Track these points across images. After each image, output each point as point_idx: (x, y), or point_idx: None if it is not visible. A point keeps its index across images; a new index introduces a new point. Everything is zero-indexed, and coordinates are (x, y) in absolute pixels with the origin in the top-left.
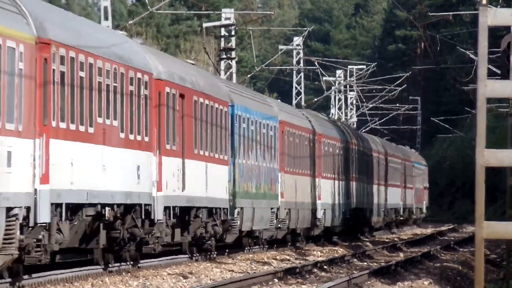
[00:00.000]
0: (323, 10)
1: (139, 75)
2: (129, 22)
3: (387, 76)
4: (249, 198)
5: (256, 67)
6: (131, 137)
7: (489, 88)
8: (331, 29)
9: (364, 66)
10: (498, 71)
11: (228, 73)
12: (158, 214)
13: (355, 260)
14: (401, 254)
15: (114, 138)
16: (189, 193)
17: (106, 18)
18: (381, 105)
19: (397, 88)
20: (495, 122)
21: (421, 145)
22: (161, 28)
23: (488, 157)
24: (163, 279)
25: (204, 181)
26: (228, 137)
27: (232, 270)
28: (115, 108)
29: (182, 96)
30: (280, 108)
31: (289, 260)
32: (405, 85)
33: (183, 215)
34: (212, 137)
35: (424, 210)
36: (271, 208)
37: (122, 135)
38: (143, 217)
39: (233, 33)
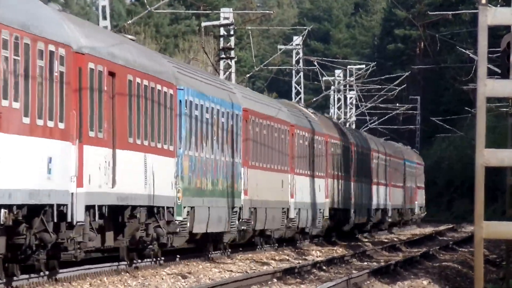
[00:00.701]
0: (323, 9)
1: (51, 47)
2: (128, 22)
3: (387, 76)
4: (203, 196)
5: (255, 67)
6: (39, 122)
7: (489, 87)
8: (331, 29)
9: (364, 66)
10: (498, 71)
11: (227, 73)
12: (78, 215)
13: (354, 260)
14: (400, 254)
15: (14, 124)
16: (121, 190)
17: (104, 18)
18: (380, 104)
19: (397, 87)
20: (495, 122)
21: (420, 145)
22: (159, 27)
23: (488, 156)
24: (162, 279)
25: (143, 176)
26: (176, 126)
27: (231, 270)
28: (16, 87)
29: (112, 74)
30: (244, 95)
31: (288, 260)
32: (405, 85)
33: (115, 216)
34: (154, 124)
35: (417, 211)
36: (233, 208)
37: (26, 120)
38: (55, 219)
39: (232, 32)
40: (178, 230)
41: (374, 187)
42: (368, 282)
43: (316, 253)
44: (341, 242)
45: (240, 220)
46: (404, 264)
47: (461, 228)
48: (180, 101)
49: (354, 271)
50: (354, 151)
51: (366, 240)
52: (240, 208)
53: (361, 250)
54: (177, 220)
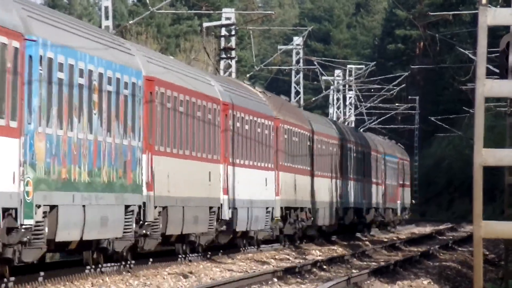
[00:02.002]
0: (324, 9)
1: None
2: (130, 22)
3: (386, 76)
4: (73, 190)
5: (255, 67)
6: None
7: (488, 87)
8: (332, 29)
9: (363, 66)
10: (497, 71)
11: (227, 72)
12: None
13: (354, 259)
14: (400, 254)
15: None
16: None
17: (107, 18)
18: (379, 104)
19: (396, 87)
20: (493, 122)
21: (420, 144)
22: (161, 28)
23: (487, 156)
24: (164, 278)
25: None
26: (22, 91)
27: (232, 270)
28: None
29: None
30: (148, 59)
31: (288, 259)
32: (404, 85)
33: None
34: None
35: (399, 212)
36: (127, 207)
37: None
38: None
39: (233, 32)
40: (27, 239)
41: (345, 183)
42: (368, 281)
43: (316, 253)
44: (341, 241)
45: (142, 222)
46: (404, 264)
47: (461, 228)
48: (31, 56)
49: (354, 271)
50: (318, 141)
51: (366, 239)
52: (141, 207)
53: (361, 249)
54: (26, 225)
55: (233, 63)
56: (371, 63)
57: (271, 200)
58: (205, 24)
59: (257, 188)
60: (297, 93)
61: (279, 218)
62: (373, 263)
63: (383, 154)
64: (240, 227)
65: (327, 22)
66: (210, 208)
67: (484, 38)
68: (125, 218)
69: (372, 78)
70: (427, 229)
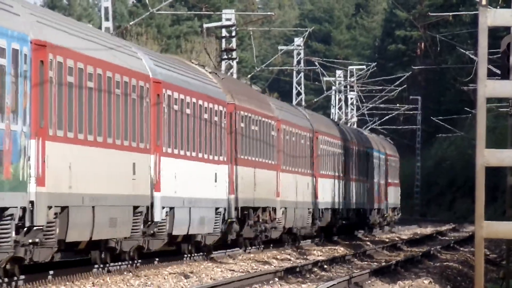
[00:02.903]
0: (324, 10)
1: None
2: (130, 23)
3: (387, 77)
4: None
5: (256, 68)
6: None
7: (489, 88)
8: (332, 30)
9: (364, 66)
10: (498, 72)
11: (228, 73)
12: None
13: (356, 259)
14: (402, 254)
15: None
16: None
17: (107, 19)
18: (381, 105)
19: (397, 88)
20: (495, 122)
21: (421, 145)
22: (161, 28)
23: (488, 157)
24: (164, 278)
25: None
26: None
27: (233, 270)
28: None
29: None
30: (39, 19)
31: (289, 259)
32: (405, 85)
33: None
34: None
35: (388, 213)
36: (3, 210)
37: None
38: None
39: (233, 33)
40: None
41: (319, 181)
42: (369, 281)
43: (317, 253)
44: (342, 241)
45: (27, 228)
46: (405, 264)
47: (462, 228)
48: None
49: (355, 271)
50: (283, 131)
51: (367, 239)
52: (25, 209)
53: (362, 249)
54: None
55: (234, 64)
56: (372, 64)
57: (222, 199)
58: (206, 25)
59: (203, 185)
60: (299, 93)
61: (234, 219)
62: (374, 263)
63: (368, 149)
64: (178, 230)
65: (327, 23)
66: (135, 208)
67: (484, 39)
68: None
69: (373, 79)
70: (429, 229)
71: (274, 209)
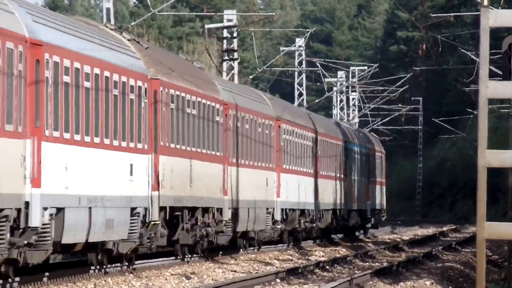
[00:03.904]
0: (325, 11)
1: None
2: (131, 24)
3: (389, 77)
4: None
5: (258, 68)
6: None
7: (491, 89)
8: (333, 30)
9: (366, 67)
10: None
11: (230, 74)
12: None
13: (357, 260)
14: (403, 255)
15: None
16: None
17: (108, 20)
18: (382, 105)
19: (399, 89)
20: (496, 123)
21: (423, 146)
22: (163, 29)
23: (490, 158)
24: (166, 279)
25: None
26: None
27: (235, 270)
28: None
29: None
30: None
31: (291, 260)
32: (407, 86)
33: None
34: None
35: (369, 215)
36: None
37: None
38: None
39: (235, 34)
40: None
41: (282, 177)
42: (371, 282)
43: (319, 253)
44: (344, 242)
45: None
46: (407, 265)
47: (464, 229)
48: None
49: (357, 271)
50: (232, 116)
51: (369, 240)
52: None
53: (364, 250)
54: None
55: (235, 64)
56: (374, 65)
57: (140, 196)
58: (207, 26)
59: (112, 179)
60: (300, 94)
61: (159, 222)
62: (376, 264)
63: (345, 143)
64: (70, 237)
65: (329, 24)
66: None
67: (486, 39)
68: None
69: (375, 80)
70: (430, 230)
71: (220, 210)
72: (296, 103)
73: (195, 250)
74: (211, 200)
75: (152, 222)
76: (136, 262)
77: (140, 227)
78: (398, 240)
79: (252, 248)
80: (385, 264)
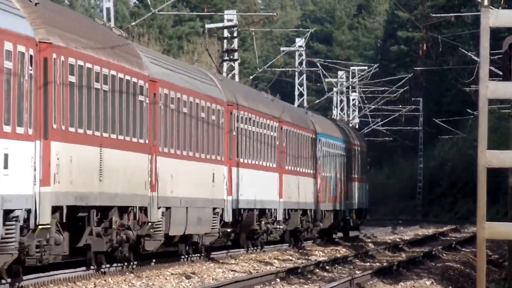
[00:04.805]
0: (326, 11)
1: None
2: (132, 24)
3: (390, 78)
4: None
5: (258, 69)
6: None
7: (491, 89)
8: (334, 30)
9: (366, 67)
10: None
11: (230, 74)
12: None
13: (357, 260)
14: (403, 255)
15: None
16: None
17: (108, 20)
18: (383, 106)
19: (399, 89)
20: (496, 123)
21: (424, 146)
22: (163, 29)
23: (490, 158)
24: (166, 279)
25: None
26: None
27: (235, 270)
28: None
29: None
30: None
31: (291, 260)
32: (407, 86)
33: None
34: None
35: (349, 216)
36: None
37: None
38: None
39: (235, 34)
40: None
41: (236, 172)
42: (371, 282)
43: (319, 253)
44: (344, 242)
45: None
46: (407, 265)
47: (464, 229)
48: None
49: (357, 271)
50: (164, 97)
51: (369, 240)
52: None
53: (364, 250)
54: None
55: (236, 65)
56: (374, 65)
57: (18, 195)
58: (207, 26)
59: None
60: (301, 94)
61: (50, 225)
62: (376, 264)
63: (317, 135)
64: None
65: (329, 24)
66: None
67: (486, 39)
68: None
69: (375, 80)
70: (431, 230)
71: (145, 210)
72: (296, 103)
73: (118, 258)
74: (131, 198)
75: (41, 227)
76: (136, 263)
77: (19, 235)
78: (398, 240)
79: (199, 255)
80: (385, 264)
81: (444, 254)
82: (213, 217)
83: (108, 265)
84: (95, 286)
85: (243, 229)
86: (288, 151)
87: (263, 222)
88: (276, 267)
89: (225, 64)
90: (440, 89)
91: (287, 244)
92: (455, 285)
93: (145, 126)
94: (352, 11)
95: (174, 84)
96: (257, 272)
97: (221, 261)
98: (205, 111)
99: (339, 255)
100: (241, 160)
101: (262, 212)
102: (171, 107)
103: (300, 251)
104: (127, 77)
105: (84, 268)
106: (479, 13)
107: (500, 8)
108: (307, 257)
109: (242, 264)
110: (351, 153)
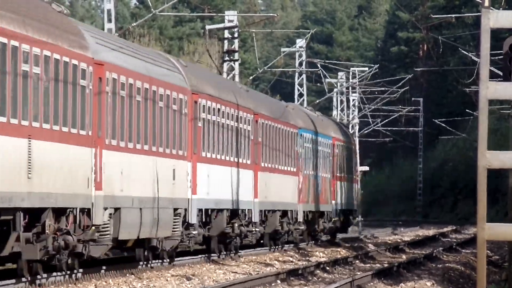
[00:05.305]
0: (326, 12)
1: None
2: (132, 25)
3: (390, 78)
4: None
5: (258, 69)
6: None
7: (491, 90)
8: (334, 31)
9: (367, 68)
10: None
11: (231, 74)
12: None
13: (358, 261)
14: (404, 256)
15: None
16: None
17: (109, 21)
18: (383, 106)
19: (399, 89)
20: (497, 124)
21: (424, 147)
22: (164, 30)
23: (490, 158)
24: (167, 280)
25: None
26: None
27: (235, 272)
28: None
29: None
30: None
31: (292, 261)
32: (407, 87)
33: None
34: None
35: (336, 217)
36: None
37: None
38: None
39: (236, 35)
40: None
41: (201, 168)
42: (372, 283)
43: (320, 255)
44: (344, 243)
45: None
46: (408, 266)
47: (465, 230)
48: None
49: (357, 273)
50: (112, 82)
51: (369, 241)
52: None
53: (365, 251)
54: None
55: (236, 65)
56: (374, 66)
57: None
58: (208, 27)
59: None
60: (301, 95)
61: None
62: (377, 265)
63: (301, 130)
64: None
65: (330, 25)
66: None
67: (487, 40)
68: None
69: (375, 81)
70: (431, 231)
71: (88, 211)
72: (296, 104)
73: (58, 267)
74: (70, 198)
75: None
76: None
77: None
78: (399, 241)
79: (160, 261)
80: (386, 265)
81: (445, 255)
82: (174, 219)
83: (45, 275)
84: (95, 287)
85: (213, 232)
86: (264, 146)
87: (236, 225)
88: (277, 268)
89: (225, 64)
90: (441, 90)
91: (266, 248)
92: (455, 286)
93: (88, 115)
94: (353, 12)
95: (126, 68)
96: (258, 273)
97: (221, 263)
98: (164, 99)
99: (339, 256)
100: (208, 155)
101: (235, 213)
102: (122, 94)
103: (300, 252)
104: (65, 59)
105: (83, 268)
106: (479, 14)
107: (500, 9)
108: (307, 258)
109: (242, 266)
110: (338, 150)
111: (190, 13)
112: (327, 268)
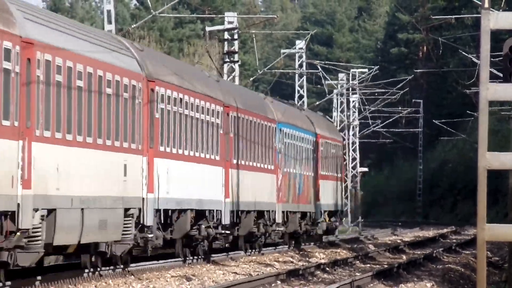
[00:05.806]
0: (326, 13)
1: None
2: (132, 26)
3: (390, 80)
4: None
5: (258, 71)
6: None
7: (491, 91)
8: (334, 32)
9: (367, 69)
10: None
11: (231, 76)
12: None
13: (358, 262)
14: (404, 256)
15: None
16: None
17: (109, 22)
18: (383, 108)
19: (399, 91)
20: (497, 125)
21: (424, 148)
22: (164, 31)
23: (491, 160)
24: (167, 281)
25: None
26: None
27: (235, 272)
28: None
29: None
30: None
31: (292, 262)
32: (407, 88)
33: None
34: None
35: (321, 218)
36: None
37: None
38: None
39: (236, 36)
40: None
41: (159, 164)
42: (372, 284)
43: (320, 255)
44: (344, 244)
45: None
46: (408, 266)
47: (464, 231)
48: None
49: (357, 273)
50: (49, 65)
51: (370, 242)
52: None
53: (364, 252)
54: None
55: (236, 67)
56: (375, 67)
57: None
58: (208, 28)
59: None
60: (301, 96)
61: None
62: (377, 266)
63: (278, 124)
64: None
65: (330, 26)
66: None
67: (487, 42)
68: None
69: (375, 82)
70: (431, 232)
71: (13, 214)
72: (296, 105)
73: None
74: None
75: None
76: (136, 264)
77: None
78: (399, 241)
79: (113, 267)
80: (386, 266)
81: (445, 256)
82: (126, 220)
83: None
84: None
85: (176, 235)
86: (237, 142)
87: (202, 226)
88: (277, 269)
89: (225, 66)
90: (441, 91)
91: (242, 252)
92: (455, 287)
93: (14, 103)
94: (353, 14)
95: (62, 48)
96: (258, 274)
97: (221, 263)
98: (113, 86)
99: (339, 257)
100: (168, 149)
101: (201, 214)
102: (58, 79)
103: (300, 253)
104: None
105: (83, 270)
106: (479, 15)
107: (500, 10)
108: (307, 259)
109: (242, 266)
110: (323, 148)
111: (190, 14)
112: (327, 269)
